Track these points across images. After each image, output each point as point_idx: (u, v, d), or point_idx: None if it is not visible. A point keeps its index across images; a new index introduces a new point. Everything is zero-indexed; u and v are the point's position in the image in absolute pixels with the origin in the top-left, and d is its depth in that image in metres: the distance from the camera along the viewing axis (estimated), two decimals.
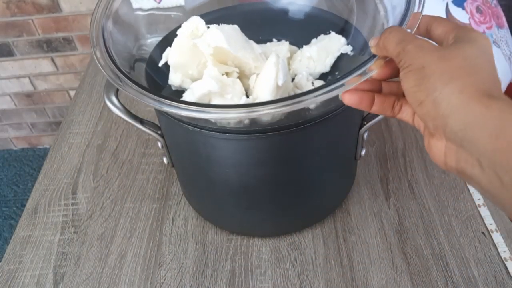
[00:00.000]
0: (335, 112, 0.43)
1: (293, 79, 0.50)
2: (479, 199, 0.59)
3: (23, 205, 1.46)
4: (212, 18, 0.53)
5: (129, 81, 0.38)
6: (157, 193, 0.63)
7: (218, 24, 0.47)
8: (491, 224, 0.56)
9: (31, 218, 0.61)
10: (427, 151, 0.31)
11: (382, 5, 0.47)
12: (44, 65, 1.41)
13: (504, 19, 1.02)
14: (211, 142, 0.45)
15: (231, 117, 0.34)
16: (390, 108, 0.34)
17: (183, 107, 0.35)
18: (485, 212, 0.58)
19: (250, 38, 0.49)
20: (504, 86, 1.00)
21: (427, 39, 0.31)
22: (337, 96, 0.34)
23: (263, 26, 0.57)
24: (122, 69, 0.40)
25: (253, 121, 0.43)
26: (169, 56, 0.48)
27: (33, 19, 1.29)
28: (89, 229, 0.59)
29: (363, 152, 0.54)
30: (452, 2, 0.92)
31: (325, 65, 0.51)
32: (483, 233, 0.56)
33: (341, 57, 0.52)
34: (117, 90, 0.46)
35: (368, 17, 0.51)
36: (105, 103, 0.53)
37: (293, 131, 0.43)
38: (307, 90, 0.33)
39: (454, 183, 0.61)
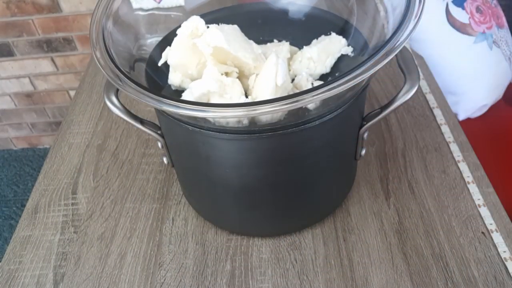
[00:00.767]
0: (335, 112, 0.43)
1: (293, 80, 0.50)
2: (479, 199, 0.59)
3: (23, 205, 1.46)
4: (212, 18, 0.53)
5: (129, 81, 0.38)
6: (157, 193, 0.63)
7: (218, 24, 0.47)
8: (491, 224, 0.56)
9: (31, 218, 0.61)
10: None
11: (382, 5, 0.47)
12: (44, 65, 1.41)
13: (504, 19, 1.02)
14: (211, 142, 0.45)
15: (229, 115, 0.34)
16: None
17: (182, 106, 0.35)
18: (485, 212, 0.58)
19: (250, 38, 0.49)
20: (504, 86, 1.00)
21: None
22: (336, 96, 0.34)
23: (263, 26, 0.57)
24: (122, 69, 0.40)
25: (253, 121, 0.43)
26: (169, 55, 0.48)
27: (33, 19, 1.29)
28: (89, 229, 0.59)
29: (363, 152, 0.54)
30: (452, 2, 0.92)
31: (326, 66, 0.51)
32: (483, 233, 0.56)
33: (342, 58, 0.52)
34: (117, 90, 0.46)
35: (368, 17, 0.51)
36: (105, 103, 0.53)
37: (293, 131, 0.43)
38: (306, 89, 0.33)
39: (454, 183, 0.61)
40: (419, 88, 0.76)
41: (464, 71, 0.94)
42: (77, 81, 1.45)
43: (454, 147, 0.66)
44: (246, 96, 0.46)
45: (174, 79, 0.49)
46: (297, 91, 0.47)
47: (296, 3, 0.57)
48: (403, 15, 0.37)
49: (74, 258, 0.56)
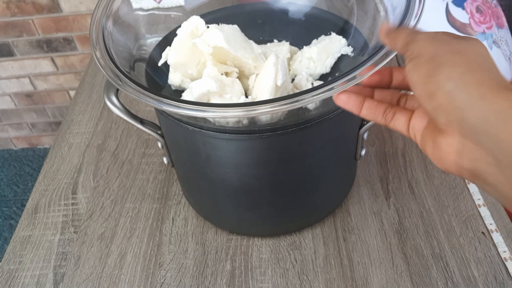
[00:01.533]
0: (335, 112, 0.43)
1: (293, 80, 0.50)
2: (479, 199, 0.59)
3: (23, 205, 1.46)
4: (212, 18, 0.53)
5: (129, 81, 0.38)
6: (157, 193, 0.63)
7: (218, 24, 0.47)
8: (491, 224, 0.56)
9: (31, 218, 0.61)
10: (427, 153, 0.30)
11: (382, 5, 0.47)
12: (44, 65, 1.41)
13: (504, 19, 1.02)
14: (211, 142, 0.45)
15: (229, 115, 0.34)
16: (381, 114, 0.33)
17: (182, 106, 0.35)
18: (485, 212, 0.58)
19: (250, 38, 0.49)
20: None
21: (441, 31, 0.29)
22: None
23: (263, 26, 0.57)
24: (122, 69, 0.40)
25: (253, 121, 0.43)
26: (169, 55, 0.48)
27: (33, 19, 1.29)
28: (89, 229, 0.59)
29: (363, 152, 0.54)
30: (452, 2, 0.92)
31: (325, 66, 0.51)
32: (483, 233, 0.56)
33: (342, 58, 0.52)
34: (117, 90, 0.47)
35: (368, 17, 0.51)
36: (105, 103, 0.53)
37: (293, 131, 0.43)
38: (306, 89, 0.33)
39: (454, 183, 0.61)
40: None
41: None
42: (77, 81, 1.45)
43: None
44: (246, 96, 0.46)
45: (174, 79, 0.49)
46: (297, 91, 0.47)
47: (296, 3, 0.57)
48: (403, 15, 0.37)
49: (74, 258, 0.56)
